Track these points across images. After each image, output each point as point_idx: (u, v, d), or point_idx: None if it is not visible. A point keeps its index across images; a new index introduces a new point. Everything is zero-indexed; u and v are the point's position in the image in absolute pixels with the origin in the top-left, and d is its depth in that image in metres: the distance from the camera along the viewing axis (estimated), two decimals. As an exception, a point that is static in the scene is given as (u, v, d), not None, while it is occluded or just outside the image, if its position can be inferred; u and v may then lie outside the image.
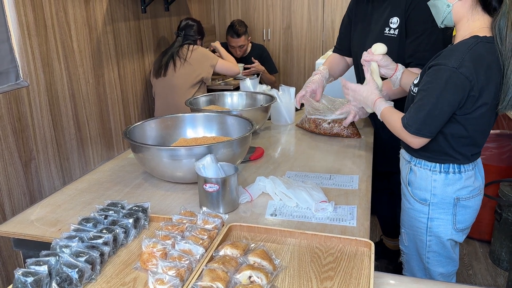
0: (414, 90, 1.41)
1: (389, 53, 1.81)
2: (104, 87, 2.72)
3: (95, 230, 1.11)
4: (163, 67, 2.94)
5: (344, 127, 2.01)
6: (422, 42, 1.70)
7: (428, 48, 1.70)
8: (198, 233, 1.08)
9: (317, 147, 1.94)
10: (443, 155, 1.41)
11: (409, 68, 1.78)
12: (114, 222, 1.16)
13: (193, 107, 2.04)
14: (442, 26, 1.42)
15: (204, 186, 1.30)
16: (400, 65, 1.63)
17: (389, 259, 2.48)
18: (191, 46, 2.97)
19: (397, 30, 1.81)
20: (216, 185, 1.29)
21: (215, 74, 3.22)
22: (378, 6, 1.90)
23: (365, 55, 1.62)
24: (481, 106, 1.31)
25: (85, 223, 1.15)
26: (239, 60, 3.78)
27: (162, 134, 1.76)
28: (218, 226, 1.13)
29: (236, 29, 3.60)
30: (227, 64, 3.12)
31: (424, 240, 1.50)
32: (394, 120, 1.43)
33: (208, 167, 1.36)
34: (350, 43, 2.09)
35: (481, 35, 1.29)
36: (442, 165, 1.42)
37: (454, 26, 1.41)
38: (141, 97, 3.13)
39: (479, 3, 1.30)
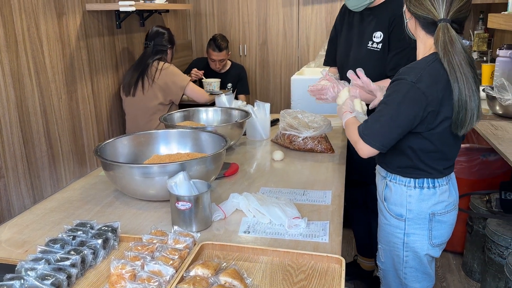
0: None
1: (372, 66, 1.84)
2: (77, 103, 2.68)
3: (62, 252, 1.08)
4: (133, 86, 2.86)
5: (318, 141, 2.03)
6: (404, 56, 1.75)
7: (409, 62, 1.72)
8: (168, 253, 1.06)
9: (292, 163, 1.95)
10: (416, 170, 1.43)
11: (384, 81, 1.80)
12: (82, 243, 1.14)
13: (168, 123, 2.03)
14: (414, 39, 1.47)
15: (176, 204, 1.29)
16: (375, 88, 1.61)
17: (362, 280, 2.49)
18: (160, 64, 2.87)
19: (380, 44, 1.86)
20: (188, 203, 1.28)
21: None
22: (363, 19, 1.94)
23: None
24: (444, 121, 1.34)
25: (52, 244, 1.12)
26: (217, 74, 3.79)
27: (135, 151, 1.75)
28: (189, 246, 1.12)
29: (218, 43, 3.63)
30: (198, 90, 3.03)
31: (401, 256, 1.50)
32: (354, 128, 1.44)
33: (181, 185, 1.34)
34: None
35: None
36: (417, 180, 1.44)
37: None
38: (116, 113, 3.10)
39: (421, 27, 1.38)
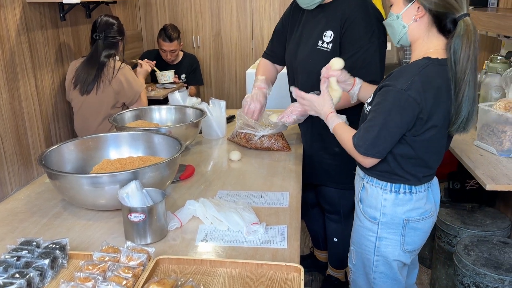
0: (367, 109, 1.41)
1: (321, 67, 1.82)
2: (20, 102, 2.51)
3: (5, 276, 1.01)
4: (89, 84, 2.66)
5: (275, 140, 2.01)
6: (358, 59, 1.70)
7: (364, 65, 1.71)
8: (121, 272, 1.01)
9: (249, 162, 1.92)
10: (393, 175, 1.42)
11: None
12: (28, 264, 1.06)
13: (118, 124, 1.94)
14: (398, 46, 1.43)
15: (129, 216, 1.23)
16: (357, 79, 1.61)
17: (320, 271, 2.52)
18: (117, 63, 2.70)
19: (330, 44, 1.80)
20: (142, 214, 1.23)
21: None
22: (313, 17, 1.88)
23: (324, 71, 1.57)
24: (430, 129, 1.31)
25: (-7, 268, 1.04)
26: (170, 66, 3.68)
27: (84, 156, 1.66)
28: (143, 262, 1.07)
29: (168, 33, 3.52)
30: (145, 101, 2.86)
31: (372, 260, 1.50)
32: (346, 138, 1.43)
33: (133, 195, 1.29)
34: (283, 51, 2.07)
35: (434, 56, 1.30)
36: (393, 184, 1.42)
37: (410, 46, 1.41)
38: (62, 110, 2.94)
39: (435, 25, 1.30)
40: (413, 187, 1.42)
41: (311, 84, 1.80)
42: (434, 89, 1.27)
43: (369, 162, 1.39)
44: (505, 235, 2.23)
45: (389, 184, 1.43)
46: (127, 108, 2.85)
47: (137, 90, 2.76)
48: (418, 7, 1.30)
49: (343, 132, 1.45)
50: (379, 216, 1.45)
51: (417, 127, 1.31)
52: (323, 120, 1.58)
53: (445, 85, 1.28)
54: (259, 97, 1.95)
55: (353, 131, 1.42)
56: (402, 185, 1.42)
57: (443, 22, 1.28)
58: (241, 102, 1.99)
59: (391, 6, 1.40)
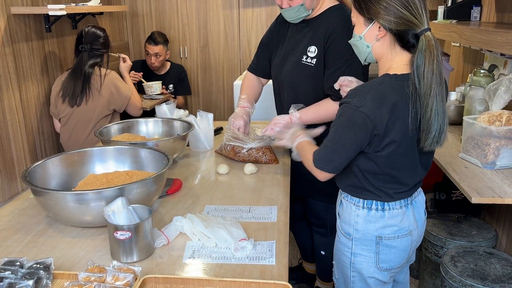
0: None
1: (305, 81, 1.85)
2: (4, 114, 2.48)
3: (-13, 298, 0.98)
4: (79, 96, 2.66)
5: (263, 152, 2.02)
6: (341, 74, 1.70)
7: None
8: (107, 293, 0.99)
9: (237, 176, 1.92)
10: (364, 190, 1.41)
11: (323, 101, 1.83)
12: (11, 285, 1.04)
13: (104, 138, 1.92)
14: (366, 63, 1.45)
15: (115, 234, 1.21)
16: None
17: (308, 283, 2.52)
18: (103, 70, 2.73)
19: (314, 59, 1.82)
20: (128, 232, 1.21)
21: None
22: (298, 32, 1.89)
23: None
24: (389, 145, 1.31)
25: (-26, 290, 1.01)
26: (157, 76, 3.67)
27: (69, 171, 1.63)
28: (130, 282, 1.06)
29: (154, 37, 3.56)
30: (137, 101, 2.89)
31: (349, 275, 1.49)
32: (307, 153, 1.44)
33: (119, 212, 1.27)
34: (268, 65, 2.08)
35: (393, 72, 1.30)
36: (365, 200, 1.42)
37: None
38: (47, 123, 2.91)
39: (397, 42, 1.30)
40: (385, 203, 1.41)
41: (295, 98, 1.83)
42: (389, 105, 1.26)
43: (323, 176, 1.40)
44: (490, 245, 2.25)
45: (361, 200, 1.43)
46: (118, 114, 2.85)
47: (126, 95, 2.78)
48: (379, 27, 1.30)
49: (306, 148, 1.48)
50: (352, 231, 1.45)
51: (375, 143, 1.31)
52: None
53: (402, 101, 1.27)
54: (242, 115, 1.99)
55: (315, 148, 1.44)
56: (374, 201, 1.41)
57: (406, 38, 1.28)
58: (229, 115, 2.01)
59: (353, 27, 1.40)
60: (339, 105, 1.35)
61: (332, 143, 1.34)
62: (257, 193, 1.73)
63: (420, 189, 1.52)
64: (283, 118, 1.83)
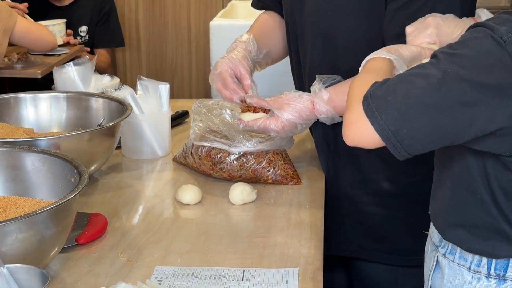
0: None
1: (350, 26, 1.18)
2: None
3: None
4: None
5: (269, 162, 1.25)
6: (416, 11, 1.05)
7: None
8: None
9: (217, 208, 1.20)
10: (499, 238, 0.83)
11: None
12: None
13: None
14: None
15: None
16: None
17: None
18: None
19: None
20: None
21: (11, 45, 1.94)
22: None
23: None
24: None
25: None
26: (57, 10, 2.39)
27: None
28: None
29: None
30: (35, 28, 1.99)
31: None
32: (365, 84, 0.80)
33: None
34: None
35: None
36: (497, 261, 0.84)
37: None
38: None
39: None
40: None
41: (329, 60, 1.18)
42: None
43: (361, 138, 0.78)
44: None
45: (484, 259, 0.85)
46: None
47: (8, 25, 1.89)
48: None
49: (372, 72, 0.86)
50: None
51: None
52: None
53: None
54: (237, 56, 1.21)
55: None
56: (511, 260, 0.85)
57: None
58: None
59: None
60: (469, 29, 0.80)
61: (423, 85, 0.75)
62: (259, 243, 1.05)
63: None
64: (299, 98, 1.13)
